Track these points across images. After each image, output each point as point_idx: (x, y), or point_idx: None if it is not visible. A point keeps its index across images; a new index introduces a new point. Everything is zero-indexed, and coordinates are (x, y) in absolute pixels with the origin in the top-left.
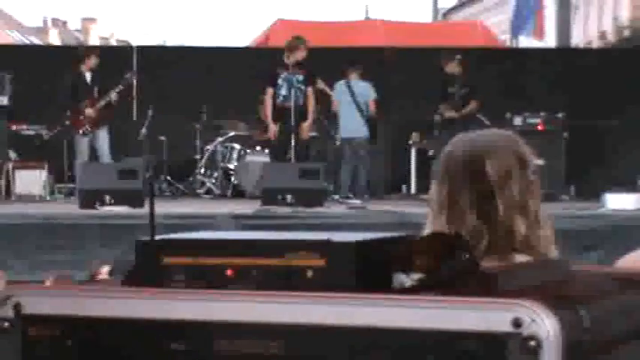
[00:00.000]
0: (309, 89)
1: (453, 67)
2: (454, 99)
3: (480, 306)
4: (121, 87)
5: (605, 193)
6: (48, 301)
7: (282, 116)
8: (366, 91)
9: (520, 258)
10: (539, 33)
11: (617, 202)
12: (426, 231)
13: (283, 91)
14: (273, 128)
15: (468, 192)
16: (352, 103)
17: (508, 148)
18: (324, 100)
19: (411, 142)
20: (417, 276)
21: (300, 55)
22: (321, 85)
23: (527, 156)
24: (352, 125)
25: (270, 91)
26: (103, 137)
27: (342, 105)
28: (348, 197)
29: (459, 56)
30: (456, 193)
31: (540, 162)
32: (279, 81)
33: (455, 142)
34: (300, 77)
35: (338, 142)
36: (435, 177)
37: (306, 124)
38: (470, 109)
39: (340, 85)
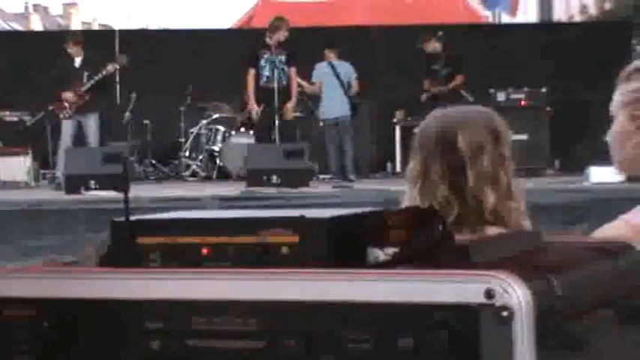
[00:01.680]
0: (292, 70)
1: (433, 46)
2: (438, 76)
3: (453, 278)
4: (108, 69)
5: (589, 167)
6: (22, 282)
7: (265, 97)
8: (348, 70)
9: (491, 230)
10: (514, 10)
11: (601, 175)
12: (403, 205)
13: (266, 72)
14: (256, 109)
15: (439, 164)
16: (337, 83)
17: (481, 123)
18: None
19: (395, 120)
20: (391, 250)
21: (283, 35)
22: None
23: (502, 131)
24: (337, 105)
25: (252, 71)
26: (91, 123)
27: (326, 86)
28: (338, 177)
29: (440, 33)
30: (428, 165)
31: (524, 137)
32: (262, 62)
33: (430, 117)
34: (283, 58)
35: (321, 123)
36: (411, 151)
37: (290, 105)
38: (455, 83)
39: (323, 66)
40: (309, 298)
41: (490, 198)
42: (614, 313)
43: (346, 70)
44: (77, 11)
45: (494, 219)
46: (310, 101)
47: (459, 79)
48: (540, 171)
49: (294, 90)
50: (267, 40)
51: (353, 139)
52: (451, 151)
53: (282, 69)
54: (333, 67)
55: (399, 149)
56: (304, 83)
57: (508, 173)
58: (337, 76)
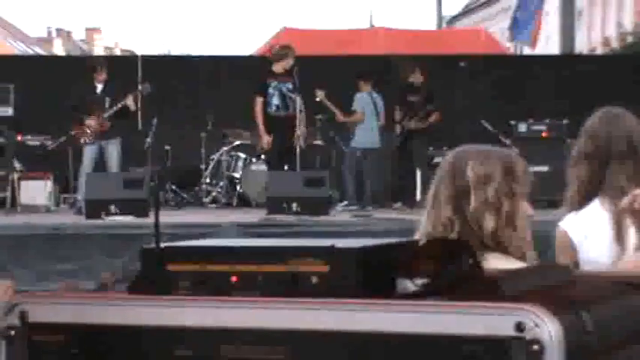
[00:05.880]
0: (298, 98)
1: (415, 78)
2: (414, 108)
3: (483, 310)
4: (128, 101)
5: None
6: (54, 308)
7: (275, 126)
8: (381, 102)
9: (491, 255)
10: (534, 43)
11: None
12: (418, 230)
13: (275, 101)
14: (267, 138)
15: (447, 188)
16: (374, 115)
17: (495, 158)
18: (321, 110)
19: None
20: (420, 281)
21: (288, 63)
22: (320, 96)
23: (517, 170)
24: (371, 135)
25: (260, 100)
26: (112, 148)
27: (366, 116)
28: (355, 205)
29: (417, 68)
30: (438, 189)
31: (545, 168)
32: (270, 90)
33: (453, 151)
34: (290, 86)
35: (358, 153)
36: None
37: (298, 132)
38: (432, 120)
39: (364, 96)
40: (338, 327)
41: (489, 223)
42: None
43: (380, 101)
44: (100, 36)
45: (495, 244)
46: (333, 129)
47: (435, 116)
48: (561, 202)
49: (299, 117)
50: (274, 68)
51: (376, 169)
52: (459, 178)
53: (290, 97)
54: (372, 97)
55: (419, 178)
56: (337, 111)
57: (514, 206)
58: (375, 107)
